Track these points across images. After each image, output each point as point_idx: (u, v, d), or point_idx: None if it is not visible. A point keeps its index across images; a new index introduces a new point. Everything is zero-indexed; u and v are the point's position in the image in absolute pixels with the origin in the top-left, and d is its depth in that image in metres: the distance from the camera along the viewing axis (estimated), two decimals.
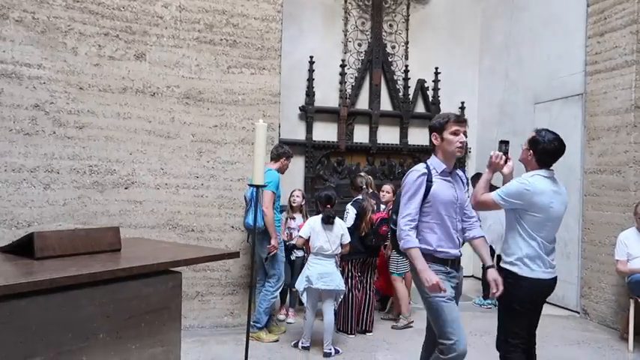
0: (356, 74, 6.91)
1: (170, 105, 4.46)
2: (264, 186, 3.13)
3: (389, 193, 5.04)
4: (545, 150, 2.71)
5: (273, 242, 4.09)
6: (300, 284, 4.04)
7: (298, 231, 4.52)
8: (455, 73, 7.37)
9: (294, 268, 4.80)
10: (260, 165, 2.99)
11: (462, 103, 7.33)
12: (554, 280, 2.76)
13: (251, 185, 3.07)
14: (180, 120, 4.49)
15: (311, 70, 6.65)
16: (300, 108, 6.69)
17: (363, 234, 4.40)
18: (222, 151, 4.59)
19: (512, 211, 2.73)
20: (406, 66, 7.09)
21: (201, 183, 4.54)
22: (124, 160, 4.31)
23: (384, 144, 6.99)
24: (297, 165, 6.72)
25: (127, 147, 4.32)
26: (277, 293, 4.29)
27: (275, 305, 4.55)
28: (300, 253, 4.83)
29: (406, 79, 7.07)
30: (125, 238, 3.31)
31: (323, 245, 3.97)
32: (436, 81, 7.19)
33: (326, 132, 6.81)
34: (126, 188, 4.32)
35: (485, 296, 5.62)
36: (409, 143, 7.08)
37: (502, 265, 2.79)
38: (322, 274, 3.92)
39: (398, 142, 7.09)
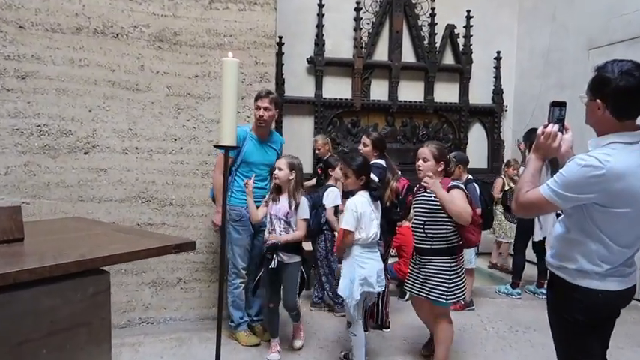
0: (373, 19, 5.90)
1: (138, 49, 3.58)
2: (235, 148, 2.26)
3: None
4: (622, 91, 1.63)
5: (215, 217, 3.32)
6: (355, 291, 2.81)
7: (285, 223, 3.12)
8: (490, 17, 6.31)
9: (272, 281, 3.18)
10: (229, 118, 2.12)
11: (499, 52, 6.29)
12: (632, 288, 1.83)
13: (217, 147, 2.21)
14: (152, 68, 3.62)
15: (320, 15, 5.67)
16: (307, 60, 5.76)
17: (388, 205, 3.43)
18: (206, 107, 3.73)
19: (577, 207, 1.75)
20: (432, 9, 6.04)
21: (180, 147, 3.71)
22: (81, 119, 3.48)
23: (405, 101, 6.02)
24: (305, 127, 5.85)
25: (86, 102, 3.48)
26: (237, 282, 3.40)
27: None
28: (290, 258, 3.10)
29: (432, 25, 6.03)
30: (48, 220, 2.54)
31: (377, 231, 2.90)
32: (468, 26, 6.13)
33: (338, 88, 5.89)
34: (85, 153, 3.51)
35: (515, 284, 4.68)
36: (435, 100, 6.09)
37: (550, 268, 1.91)
38: (380, 271, 2.91)
39: (422, 100, 6.12)
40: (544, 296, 4.72)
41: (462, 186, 2.90)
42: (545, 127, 1.81)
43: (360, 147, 3.72)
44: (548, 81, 5.77)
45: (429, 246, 2.86)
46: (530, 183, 1.80)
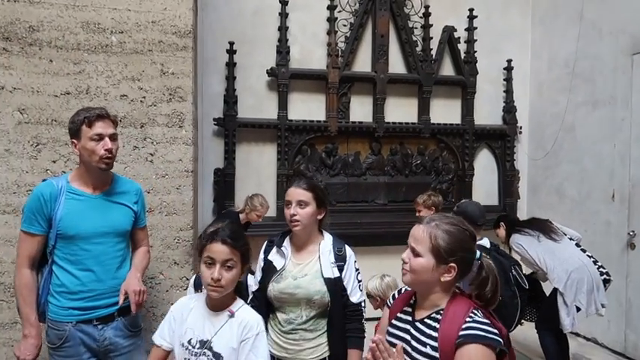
0: (351, 20, 4.68)
1: None
2: None
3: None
4: None
5: (19, 346, 1.92)
6: None
7: None
8: (497, 18, 5.13)
9: None
10: None
11: (509, 61, 5.07)
12: None
13: None
14: None
15: (283, 15, 4.44)
16: (268, 72, 4.51)
17: None
18: None
19: None
20: (426, 7, 4.82)
21: None
22: None
23: (394, 123, 4.78)
24: (266, 158, 4.58)
25: None
26: None
27: None
28: None
29: (426, 27, 4.82)
30: None
31: None
32: (470, 29, 4.94)
33: (308, 107, 4.66)
34: None
35: None
36: (432, 121, 4.85)
37: None
38: None
39: (415, 121, 4.87)
40: None
41: (496, 336, 1.37)
42: None
43: None
44: (576, 96, 4.53)
45: None
46: None
